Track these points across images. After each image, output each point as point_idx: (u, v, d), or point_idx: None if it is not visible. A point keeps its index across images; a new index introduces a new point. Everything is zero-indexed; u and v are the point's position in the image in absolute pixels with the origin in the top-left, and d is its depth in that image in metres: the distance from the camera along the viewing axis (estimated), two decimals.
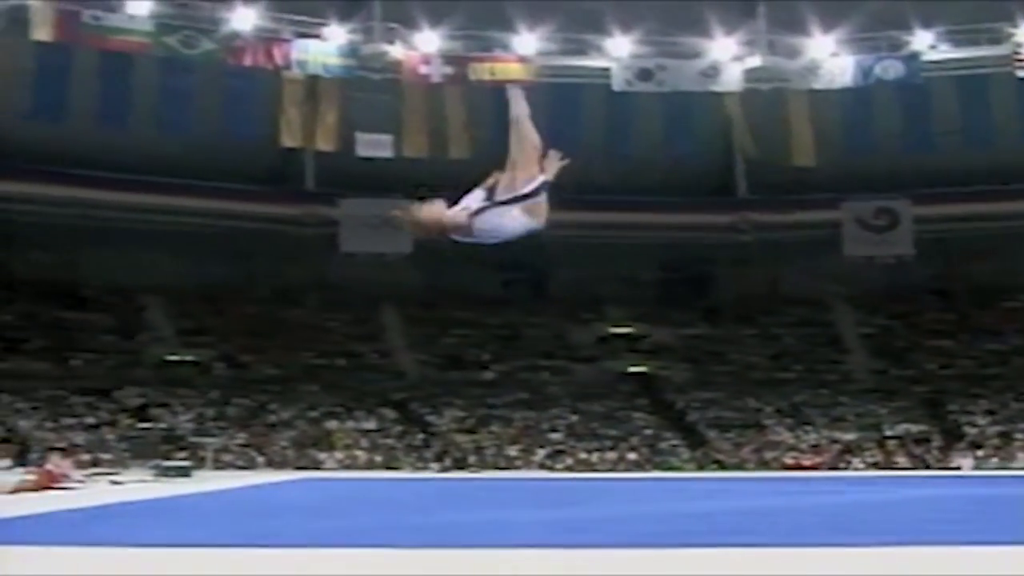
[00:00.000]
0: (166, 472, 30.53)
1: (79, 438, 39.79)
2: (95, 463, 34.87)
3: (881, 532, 10.03)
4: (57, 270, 47.41)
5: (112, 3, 38.86)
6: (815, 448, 42.21)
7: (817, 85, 41.56)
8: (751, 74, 41.79)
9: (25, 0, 37.56)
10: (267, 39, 40.56)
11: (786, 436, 43.40)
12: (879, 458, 41.31)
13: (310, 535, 9.88)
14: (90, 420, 41.97)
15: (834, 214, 48.62)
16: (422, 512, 14.37)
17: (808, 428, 43.85)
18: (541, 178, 8.56)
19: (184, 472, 31.05)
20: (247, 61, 40.38)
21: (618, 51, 41.76)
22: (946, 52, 41.15)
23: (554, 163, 8.65)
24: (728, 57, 41.82)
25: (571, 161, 8.51)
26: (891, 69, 40.83)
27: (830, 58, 41.30)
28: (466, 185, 8.59)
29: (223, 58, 40.29)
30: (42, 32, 37.77)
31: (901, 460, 40.98)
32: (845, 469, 39.84)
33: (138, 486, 24.38)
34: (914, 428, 43.40)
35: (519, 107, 8.83)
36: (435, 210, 8.32)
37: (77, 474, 25.44)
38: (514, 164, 8.64)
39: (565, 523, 11.89)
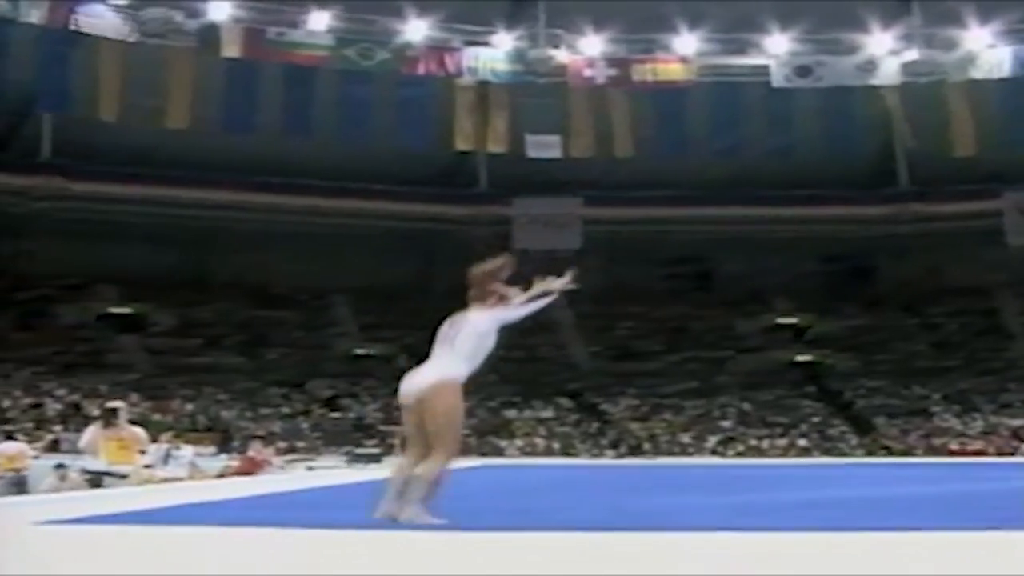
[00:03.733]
0: (358, 458, 31.46)
1: (275, 427, 41.11)
2: (291, 450, 35.55)
3: None
4: (251, 271, 49.06)
5: (294, 19, 40.05)
6: (986, 434, 41.91)
7: (975, 76, 40.84)
8: (908, 67, 41.50)
9: (216, 20, 39.27)
10: (439, 48, 41.43)
11: (953, 423, 43.22)
12: None
13: (506, 517, 9.63)
14: (285, 410, 43.47)
15: (995, 203, 47.86)
16: (606, 496, 14.28)
17: (975, 415, 43.54)
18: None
19: (375, 459, 31.61)
20: (420, 70, 41.20)
21: (776, 49, 41.77)
22: None
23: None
24: (885, 52, 41.63)
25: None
26: None
27: (987, 49, 40.66)
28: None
29: (398, 68, 41.13)
30: (231, 49, 39.38)
31: None
32: (1013, 455, 38.94)
33: (333, 471, 24.91)
34: None
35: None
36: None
37: (277, 460, 26.76)
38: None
39: (744, 507, 11.53)
